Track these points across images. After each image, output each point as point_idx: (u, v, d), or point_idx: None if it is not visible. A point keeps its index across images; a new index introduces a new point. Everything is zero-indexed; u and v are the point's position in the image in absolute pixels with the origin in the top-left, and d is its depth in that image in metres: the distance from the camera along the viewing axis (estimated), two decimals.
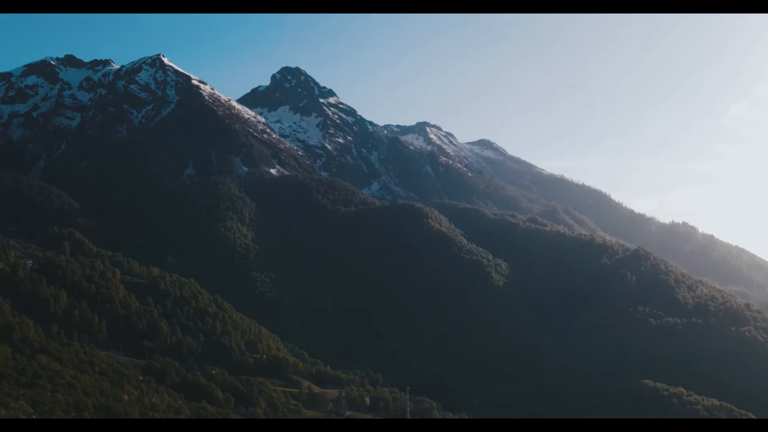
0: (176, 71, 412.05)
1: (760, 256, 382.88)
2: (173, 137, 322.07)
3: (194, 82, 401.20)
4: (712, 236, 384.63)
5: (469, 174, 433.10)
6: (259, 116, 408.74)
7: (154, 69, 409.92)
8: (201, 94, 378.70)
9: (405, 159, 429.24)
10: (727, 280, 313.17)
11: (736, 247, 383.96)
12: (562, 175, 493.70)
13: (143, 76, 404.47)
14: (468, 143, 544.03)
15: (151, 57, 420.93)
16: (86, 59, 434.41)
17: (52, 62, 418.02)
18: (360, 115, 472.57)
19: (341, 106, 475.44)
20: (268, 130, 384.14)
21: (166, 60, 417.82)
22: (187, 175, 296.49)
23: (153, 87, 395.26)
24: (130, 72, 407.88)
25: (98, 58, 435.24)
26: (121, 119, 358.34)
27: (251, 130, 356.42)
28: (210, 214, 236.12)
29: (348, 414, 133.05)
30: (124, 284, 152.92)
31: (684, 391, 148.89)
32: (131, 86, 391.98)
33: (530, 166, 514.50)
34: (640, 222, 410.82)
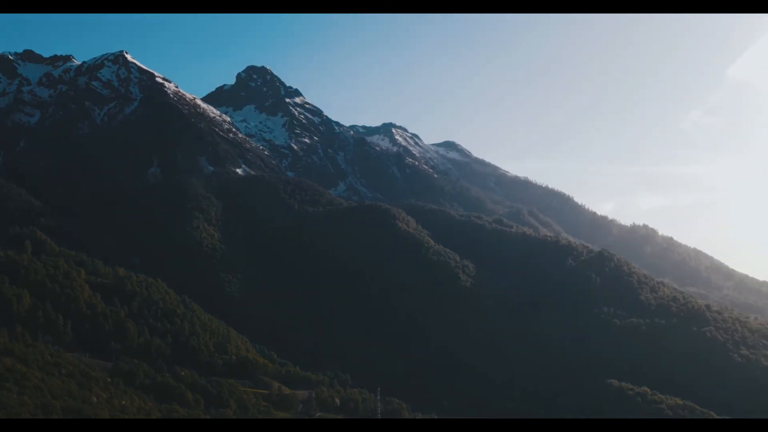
0: (140, 68, 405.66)
1: (717, 259, 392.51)
2: (137, 135, 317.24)
3: (158, 79, 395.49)
4: (671, 238, 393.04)
5: (435, 175, 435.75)
6: (224, 115, 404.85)
7: (117, 66, 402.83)
8: (165, 92, 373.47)
9: (371, 160, 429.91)
10: (686, 281, 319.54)
11: (695, 249, 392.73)
12: (526, 177, 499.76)
13: (105, 73, 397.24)
14: (433, 145, 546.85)
15: (113, 53, 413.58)
16: (46, 55, 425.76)
17: (10, 57, 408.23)
18: (326, 116, 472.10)
19: (307, 106, 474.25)
20: (233, 129, 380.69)
21: (129, 57, 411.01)
22: (151, 174, 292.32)
23: (116, 84, 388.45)
24: (92, 68, 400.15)
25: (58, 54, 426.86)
26: (83, 116, 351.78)
27: (217, 129, 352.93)
28: (176, 213, 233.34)
29: (319, 415, 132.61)
30: (89, 284, 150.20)
31: (648, 390, 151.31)
32: (93, 83, 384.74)
33: (495, 168, 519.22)
34: (602, 224, 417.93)
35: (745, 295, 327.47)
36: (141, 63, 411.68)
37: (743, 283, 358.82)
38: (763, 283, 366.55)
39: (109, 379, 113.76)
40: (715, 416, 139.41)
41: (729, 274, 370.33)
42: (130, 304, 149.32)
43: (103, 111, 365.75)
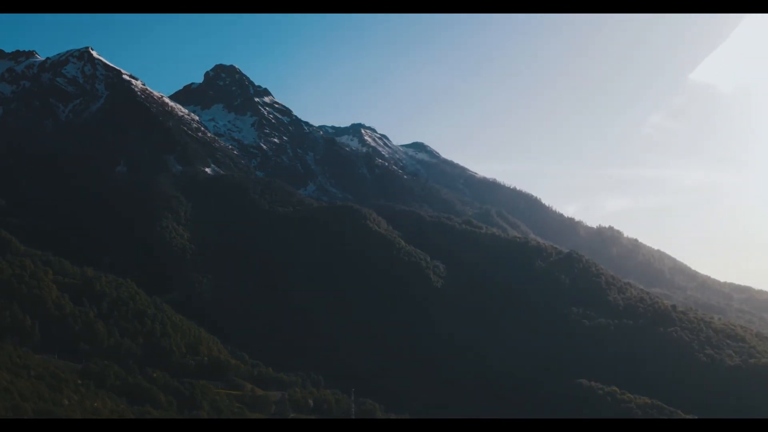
0: (105, 65, 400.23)
1: (680, 260, 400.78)
2: (103, 133, 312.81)
3: (125, 77, 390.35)
4: (636, 240, 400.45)
5: (405, 176, 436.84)
6: (192, 114, 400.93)
7: (82, 62, 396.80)
8: (132, 90, 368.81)
9: (341, 160, 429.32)
10: (650, 282, 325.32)
11: (659, 251, 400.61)
12: (495, 179, 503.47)
13: (70, 69, 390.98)
14: (402, 146, 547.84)
15: (78, 49, 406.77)
16: (8, 50, 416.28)
17: None
18: (296, 116, 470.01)
19: (276, 105, 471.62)
20: (202, 128, 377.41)
21: (94, 53, 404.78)
22: (118, 172, 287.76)
23: (81, 81, 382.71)
24: (57, 65, 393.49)
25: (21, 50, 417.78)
26: (47, 113, 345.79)
27: (185, 128, 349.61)
28: (144, 213, 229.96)
29: (292, 416, 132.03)
30: (56, 285, 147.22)
31: (617, 390, 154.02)
32: (58, 79, 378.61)
33: (463, 170, 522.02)
34: (569, 225, 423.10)
35: (707, 296, 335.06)
36: (107, 60, 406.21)
37: (705, 284, 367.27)
38: (725, 284, 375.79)
39: (79, 381, 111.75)
40: (683, 414, 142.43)
41: (692, 275, 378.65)
42: (100, 305, 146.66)
43: (68, 108, 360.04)
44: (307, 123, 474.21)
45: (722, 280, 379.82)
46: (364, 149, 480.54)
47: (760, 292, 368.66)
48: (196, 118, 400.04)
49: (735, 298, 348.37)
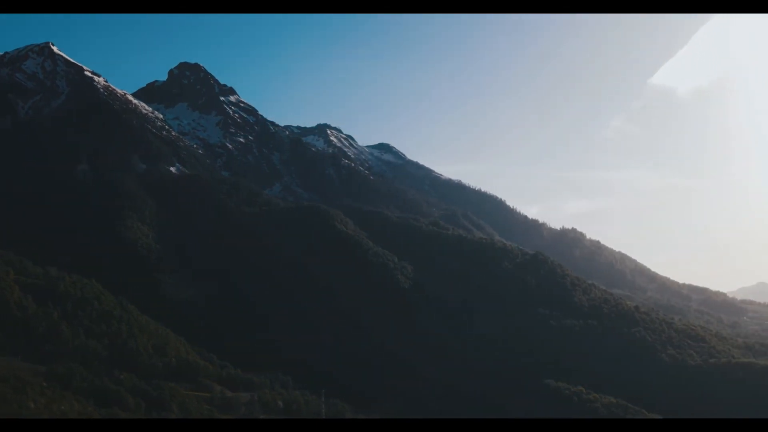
0: (67, 61, 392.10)
1: (641, 262, 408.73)
2: (64, 131, 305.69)
3: (87, 73, 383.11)
4: (598, 242, 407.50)
5: (371, 177, 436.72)
6: (156, 112, 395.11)
7: (42, 57, 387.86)
8: (95, 87, 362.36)
9: (307, 160, 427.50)
10: (612, 283, 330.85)
11: (620, 252, 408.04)
12: (460, 181, 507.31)
13: (30, 65, 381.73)
14: (368, 146, 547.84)
15: (38, 44, 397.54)
16: None
17: None
18: (261, 115, 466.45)
19: (242, 104, 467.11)
20: (166, 127, 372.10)
21: (55, 49, 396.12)
22: (80, 170, 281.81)
23: (41, 77, 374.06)
24: (15, 59, 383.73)
25: None
26: (6, 110, 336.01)
27: (149, 127, 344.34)
28: (108, 212, 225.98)
29: (263, 417, 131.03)
30: (18, 285, 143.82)
31: (583, 390, 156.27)
32: (17, 75, 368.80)
33: (429, 171, 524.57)
34: (533, 227, 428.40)
35: (667, 297, 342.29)
36: (68, 55, 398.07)
37: (665, 285, 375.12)
38: (683, 285, 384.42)
39: (44, 384, 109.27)
40: (647, 414, 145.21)
41: (652, 276, 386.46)
42: (64, 306, 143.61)
43: (27, 104, 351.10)
44: (272, 123, 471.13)
45: (681, 281, 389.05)
46: (330, 150, 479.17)
47: (717, 293, 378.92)
48: (161, 116, 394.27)
49: (693, 299, 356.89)
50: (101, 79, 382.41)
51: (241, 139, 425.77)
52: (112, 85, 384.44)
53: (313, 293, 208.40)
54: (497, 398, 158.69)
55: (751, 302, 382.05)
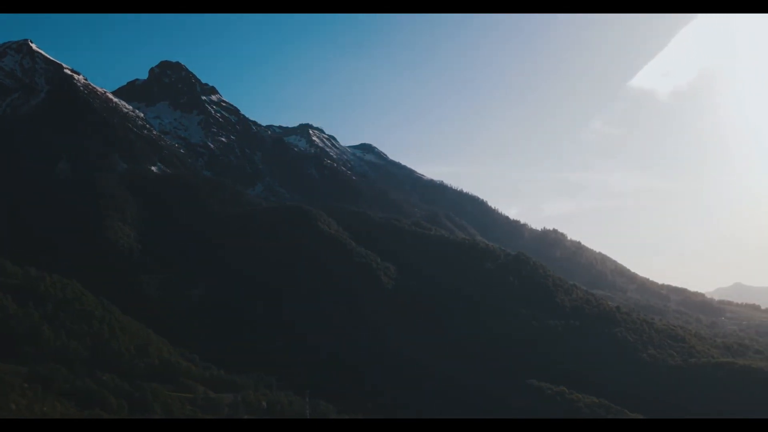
0: (45, 59, 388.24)
1: (621, 263, 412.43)
2: (44, 129, 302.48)
3: (66, 71, 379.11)
4: (579, 243, 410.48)
5: (353, 177, 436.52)
6: (137, 111, 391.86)
7: (21, 55, 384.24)
8: (75, 85, 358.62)
9: (289, 160, 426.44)
10: (593, 284, 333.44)
11: (600, 253, 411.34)
12: (442, 181, 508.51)
13: (8, 62, 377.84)
14: (350, 147, 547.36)
15: (16, 41, 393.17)
16: None
17: None
18: (243, 115, 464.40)
19: (224, 104, 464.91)
20: (147, 125, 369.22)
21: (33, 46, 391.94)
22: (60, 169, 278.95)
23: (19, 74, 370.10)
24: None
25: None
26: None
27: (131, 125, 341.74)
28: (88, 211, 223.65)
29: (246, 417, 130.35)
30: None
31: (566, 389, 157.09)
32: None
33: (411, 171, 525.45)
34: (514, 228, 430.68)
35: (646, 298, 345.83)
36: (46, 53, 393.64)
37: (644, 286, 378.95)
38: (662, 286, 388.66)
39: (25, 385, 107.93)
40: (628, 413, 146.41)
41: (632, 277, 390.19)
42: (45, 306, 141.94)
43: (5, 102, 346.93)
44: (254, 122, 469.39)
45: (660, 282, 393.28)
46: (312, 150, 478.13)
47: (696, 293, 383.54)
48: (141, 115, 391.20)
49: (672, 299, 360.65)
50: (81, 77, 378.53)
51: (223, 139, 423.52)
52: (92, 83, 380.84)
53: (296, 294, 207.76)
54: (480, 398, 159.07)
55: (729, 303, 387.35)
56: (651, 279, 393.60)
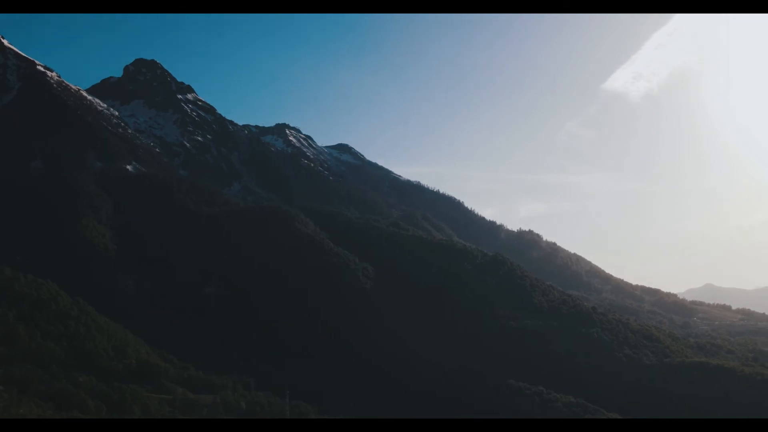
0: (18, 55, 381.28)
1: (595, 263, 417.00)
2: (16, 127, 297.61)
3: (39, 68, 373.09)
4: (554, 244, 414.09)
5: (331, 177, 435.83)
6: (112, 109, 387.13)
7: None
8: (48, 82, 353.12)
9: (266, 160, 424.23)
10: (568, 284, 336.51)
11: (575, 254, 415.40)
12: (418, 182, 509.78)
13: None
14: (327, 147, 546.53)
15: None
16: None
17: None
18: (219, 114, 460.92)
19: (200, 103, 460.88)
20: (122, 124, 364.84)
21: (5, 42, 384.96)
22: (33, 168, 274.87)
23: None
24: None
25: None
26: None
27: (105, 124, 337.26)
28: (63, 210, 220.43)
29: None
30: None
31: (544, 389, 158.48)
32: None
33: (388, 172, 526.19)
34: (491, 228, 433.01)
35: (621, 298, 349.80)
36: (18, 49, 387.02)
37: (619, 286, 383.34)
38: (636, 286, 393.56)
39: (1, 387, 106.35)
40: (605, 412, 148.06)
41: (606, 278, 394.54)
42: (20, 307, 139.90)
43: None
44: (231, 122, 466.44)
45: (633, 282, 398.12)
46: (289, 150, 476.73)
47: (669, 294, 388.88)
48: (116, 113, 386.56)
49: (646, 300, 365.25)
50: (54, 74, 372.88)
51: (199, 138, 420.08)
52: (65, 81, 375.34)
53: (274, 294, 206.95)
54: (460, 398, 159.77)
55: (701, 303, 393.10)
56: (625, 280, 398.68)
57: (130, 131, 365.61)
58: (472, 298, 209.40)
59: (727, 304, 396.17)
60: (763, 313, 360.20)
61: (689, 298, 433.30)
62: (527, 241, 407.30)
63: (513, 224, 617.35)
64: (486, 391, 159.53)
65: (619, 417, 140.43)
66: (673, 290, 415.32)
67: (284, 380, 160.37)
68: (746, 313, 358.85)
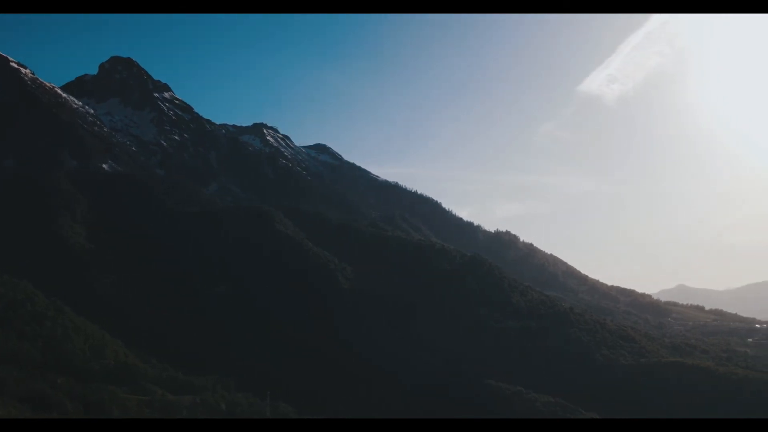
0: None
1: (571, 264, 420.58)
2: None
3: (12, 64, 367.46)
4: (531, 245, 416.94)
5: (309, 177, 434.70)
6: (87, 107, 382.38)
7: None
8: (22, 79, 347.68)
9: (244, 160, 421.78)
10: (545, 285, 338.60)
11: (552, 255, 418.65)
12: (397, 183, 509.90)
13: None
14: (304, 147, 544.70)
15: None
16: None
17: None
18: (197, 113, 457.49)
19: (177, 101, 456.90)
20: (98, 122, 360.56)
21: None
22: (5, 166, 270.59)
23: None
24: None
25: None
26: None
27: (80, 122, 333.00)
28: (37, 210, 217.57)
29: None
30: None
31: (523, 389, 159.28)
32: None
33: (366, 172, 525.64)
34: (468, 229, 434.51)
35: (597, 299, 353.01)
36: None
37: (595, 287, 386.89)
38: (611, 287, 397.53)
39: None
40: (584, 412, 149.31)
41: (582, 279, 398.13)
42: None
43: None
44: (208, 121, 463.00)
45: (609, 283, 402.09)
46: (267, 149, 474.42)
47: (643, 294, 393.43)
48: (92, 111, 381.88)
49: (621, 300, 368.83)
50: (28, 71, 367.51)
51: (177, 137, 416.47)
52: (39, 78, 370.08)
53: (254, 294, 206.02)
54: (439, 398, 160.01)
55: (675, 304, 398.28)
56: (601, 281, 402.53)
57: (106, 130, 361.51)
58: (451, 298, 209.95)
59: (701, 304, 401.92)
60: (735, 314, 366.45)
61: (662, 298, 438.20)
62: (504, 241, 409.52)
63: (490, 225, 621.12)
64: (465, 391, 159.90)
65: (597, 417, 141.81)
66: (647, 291, 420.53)
67: (266, 380, 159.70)
68: (719, 314, 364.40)
